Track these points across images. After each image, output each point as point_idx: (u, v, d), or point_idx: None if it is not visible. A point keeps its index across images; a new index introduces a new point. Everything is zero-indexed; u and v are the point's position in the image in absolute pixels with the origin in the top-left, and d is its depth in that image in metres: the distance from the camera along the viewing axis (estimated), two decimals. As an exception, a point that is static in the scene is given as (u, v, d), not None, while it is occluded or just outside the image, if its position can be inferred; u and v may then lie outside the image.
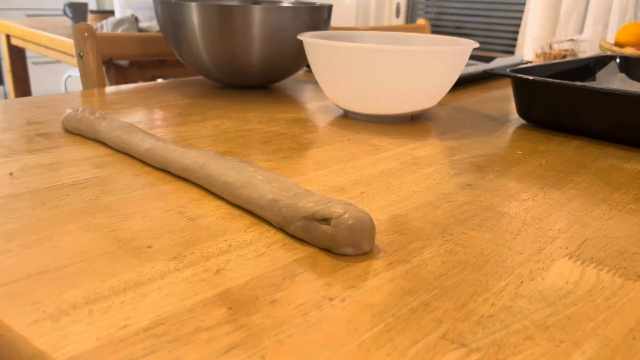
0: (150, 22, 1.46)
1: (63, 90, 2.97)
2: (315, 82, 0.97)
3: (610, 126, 0.66)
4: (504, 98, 0.93)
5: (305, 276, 0.34)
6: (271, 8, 0.82)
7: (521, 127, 0.74)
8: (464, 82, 1.00)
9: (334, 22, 0.84)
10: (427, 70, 0.68)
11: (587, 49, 1.41)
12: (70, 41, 1.57)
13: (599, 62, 0.90)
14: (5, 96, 3.46)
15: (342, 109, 0.75)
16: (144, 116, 0.71)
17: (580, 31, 2.30)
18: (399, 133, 0.68)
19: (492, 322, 0.30)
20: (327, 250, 0.37)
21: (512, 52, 2.56)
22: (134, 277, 0.33)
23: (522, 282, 0.34)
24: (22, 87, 2.13)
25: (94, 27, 1.10)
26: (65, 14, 1.97)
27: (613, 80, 0.87)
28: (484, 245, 0.39)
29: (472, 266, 0.36)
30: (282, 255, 0.36)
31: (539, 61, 1.26)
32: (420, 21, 1.93)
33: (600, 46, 1.26)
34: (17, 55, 2.10)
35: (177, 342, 0.27)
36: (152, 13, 1.52)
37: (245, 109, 0.78)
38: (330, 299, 0.32)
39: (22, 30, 1.90)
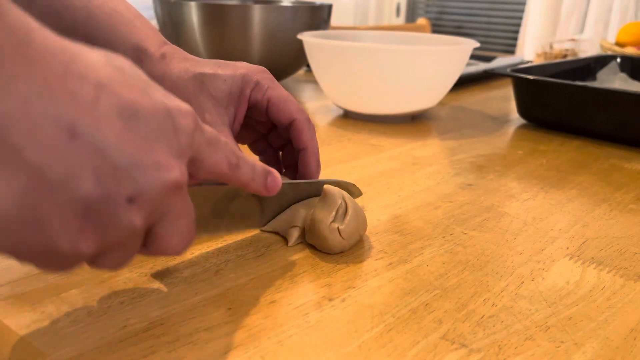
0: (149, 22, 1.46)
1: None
2: (315, 82, 0.96)
3: (611, 126, 0.66)
4: (504, 98, 0.93)
5: (305, 276, 0.34)
6: (271, 7, 0.82)
7: (522, 126, 0.74)
8: (465, 82, 0.99)
9: (331, 21, 0.84)
10: (428, 70, 0.68)
11: (588, 49, 1.40)
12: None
13: (599, 62, 0.90)
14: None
15: (342, 108, 0.75)
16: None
17: (581, 31, 2.30)
18: (399, 133, 0.67)
19: (492, 322, 0.30)
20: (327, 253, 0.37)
21: (512, 52, 2.56)
22: (133, 277, 0.33)
23: (522, 282, 0.34)
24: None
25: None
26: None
27: (614, 80, 0.87)
28: (485, 245, 0.39)
29: (472, 266, 0.36)
30: (281, 255, 0.36)
31: (540, 61, 1.26)
32: (421, 21, 1.93)
33: (601, 46, 1.26)
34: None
35: (177, 343, 0.27)
36: (152, 13, 1.52)
37: (245, 108, 0.78)
38: (331, 300, 0.31)
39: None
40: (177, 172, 0.24)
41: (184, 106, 0.25)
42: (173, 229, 0.26)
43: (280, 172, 0.45)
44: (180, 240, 0.26)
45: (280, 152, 0.45)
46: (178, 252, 0.27)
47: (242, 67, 0.43)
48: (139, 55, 0.42)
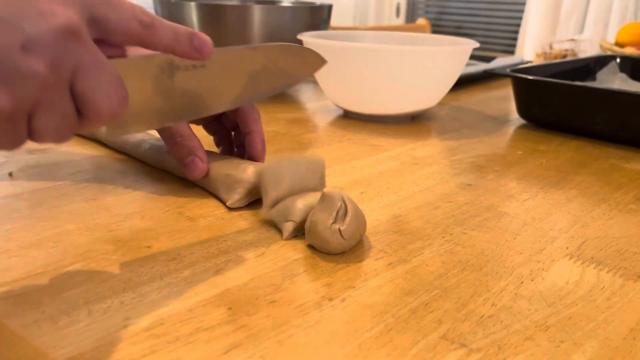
0: (150, 22, 1.46)
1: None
2: (315, 82, 0.96)
3: (610, 126, 0.66)
4: (504, 98, 0.93)
5: (305, 276, 0.34)
6: (271, 8, 0.82)
7: (521, 127, 0.74)
8: (464, 82, 0.99)
9: (331, 21, 0.84)
10: (427, 70, 0.68)
11: (588, 49, 1.40)
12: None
13: (599, 62, 0.90)
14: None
15: (342, 109, 0.75)
16: (143, 116, 0.71)
17: (581, 31, 2.30)
18: (399, 133, 0.68)
19: (492, 322, 0.30)
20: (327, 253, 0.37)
21: (512, 52, 2.56)
22: (134, 277, 0.33)
23: (522, 282, 0.34)
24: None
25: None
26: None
27: (613, 80, 0.87)
28: (484, 245, 0.39)
29: (472, 266, 0.36)
30: (282, 255, 0.36)
31: (539, 61, 1.26)
32: (421, 21, 1.93)
33: (601, 46, 1.26)
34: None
35: (177, 343, 0.27)
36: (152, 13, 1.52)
37: (245, 108, 0.78)
38: (330, 299, 0.31)
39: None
40: (64, 17, 0.25)
41: None
42: (94, 83, 0.26)
43: (232, 151, 0.50)
44: (107, 95, 0.27)
45: (232, 133, 0.49)
46: (113, 111, 0.27)
47: None
48: None
